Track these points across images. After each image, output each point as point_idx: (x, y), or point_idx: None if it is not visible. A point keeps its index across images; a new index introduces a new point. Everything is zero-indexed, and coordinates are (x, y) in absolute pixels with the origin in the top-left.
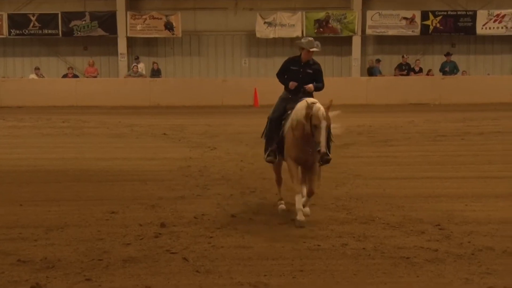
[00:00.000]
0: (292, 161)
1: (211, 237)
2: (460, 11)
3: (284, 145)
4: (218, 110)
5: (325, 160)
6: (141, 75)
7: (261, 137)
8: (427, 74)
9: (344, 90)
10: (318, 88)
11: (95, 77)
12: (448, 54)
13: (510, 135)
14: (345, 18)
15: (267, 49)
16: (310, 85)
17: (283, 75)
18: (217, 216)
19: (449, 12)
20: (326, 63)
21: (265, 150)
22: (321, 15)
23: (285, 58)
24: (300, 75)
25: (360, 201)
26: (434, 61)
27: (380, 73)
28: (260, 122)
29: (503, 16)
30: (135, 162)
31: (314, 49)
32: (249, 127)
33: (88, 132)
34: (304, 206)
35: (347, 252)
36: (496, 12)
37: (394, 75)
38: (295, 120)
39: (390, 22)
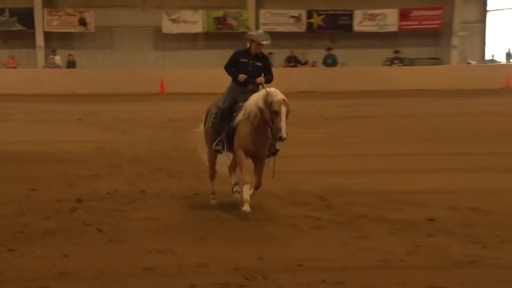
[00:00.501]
0: (243, 152)
1: (123, 210)
2: (339, 11)
3: (235, 137)
4: (129, 98)
5: (274, 151)
6: (58, 66)
7: (204, 127)
8: (312, 66)
9: None
10: (269, 80)
11: (15, 67)
12: (329, 49)
13: (384, 118)
14: (241, 16)
15: (172, 43)
16: (261, 78)
17: (232, 67)
18: (128, 192)
19: (330, 12)
20: (225, 56)
21: (214, 140)
22: (220, 13)
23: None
24: (250, 67)
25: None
26: (317, 54)
27: (272, 65)
28: (166, 108)
29: (376, 16)
30: (53, 145)
31: (265, 42)
32: (157, 113)
33: (10, 118)
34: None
35: (243, 222)
36: (370, 11)
37: (284, 67)
38: (252, 110)
39: (279, 20)
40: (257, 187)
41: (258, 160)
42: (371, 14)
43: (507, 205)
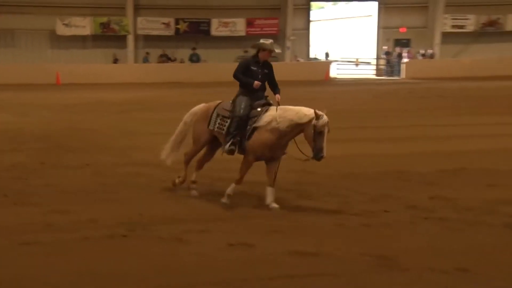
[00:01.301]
0: (254, 159)
1: (26, 179)
2: (200, 19)
3: (251, 142)
4: (30, 88)
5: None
6: None
7: (208, 127)
8: (180, 62)
9: (121, 73)
10: (278, 91)
11: None
12: (194, 49)
13: None
14: (122, 22)
15: (65, 43)
16: (278, 95)
17: (243, 74)
18: (30, 163)
19: (193, 20)
20: (108, 54)
21: (227, 141)
22: (104, 19)
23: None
24: (260, 75)
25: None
26: (184, 53)
27: (148, 61)
28: (62, 96)
29: (228, 23)
30: None
31: (278, 51)
32: (54, 100)
33: None
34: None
35: (128, 187)
36: (224, 20)
37: (158, 63)
38: (286, 123)
39: (153, 25)
40: (272, 184)
41: (272, 163)
42: (225, 22)
43: (329, 167)
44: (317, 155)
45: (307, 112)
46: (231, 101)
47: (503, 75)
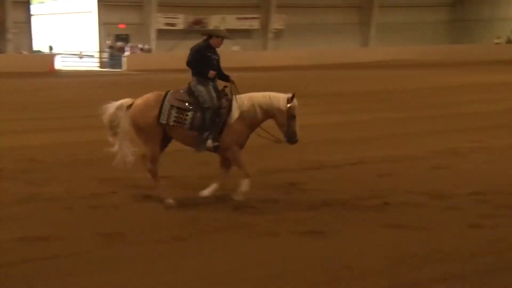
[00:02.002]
0: (238, 148)
1: None
2: None
3: (229, 133)
4: None
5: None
6: None
7: (159, 120)
8: None
9: None
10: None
11: None
12: None
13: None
14: None
15: None
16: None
17: (198, 62)
18: None
19: None
20: None
21: (205, 138)
22: None
23: None
24: (214, 61)
25: None
26: None
27: None
28: None
29: None
30: None
31: (230, 39)
32: None
33: None
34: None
35: None
36: None
37: None
38: (254, 109)
39: None
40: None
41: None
42: None
43: (56, 155)
44: (292, 139)
45: (278, 96)
46: (183, 91)
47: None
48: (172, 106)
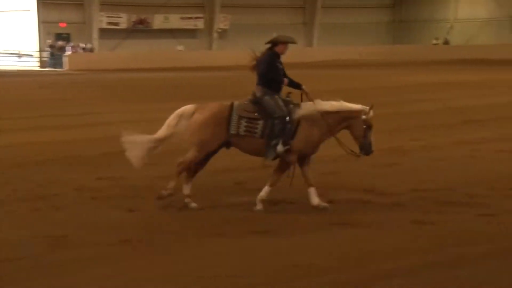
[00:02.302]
0: (296, 158)
1: None
2: None
3: (298, 139)
4: None
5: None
6: None
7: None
8: None
9: None
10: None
11: None
12: None
13: None
14: None
15: None
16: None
17: (272, 72)
18: None
19: None
20: None
21: (274, 144)
22: None
23: None
24: (282, 70)
25: None
26: None
27: None
28: None
29: None
30: None
31: (296, 43)
32: None
33: None
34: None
35: None
36: None
37: None
38: (336, 115)
39: None
40: (313, 184)
41: (306, 162)
42: None
43: None
44: (369, 150)
45: (352, 105)
46: (247, 102)
47: (152, 67)
48: (240, 117)
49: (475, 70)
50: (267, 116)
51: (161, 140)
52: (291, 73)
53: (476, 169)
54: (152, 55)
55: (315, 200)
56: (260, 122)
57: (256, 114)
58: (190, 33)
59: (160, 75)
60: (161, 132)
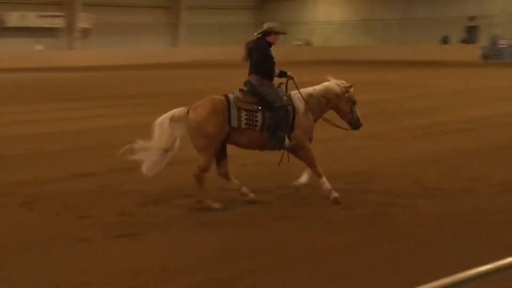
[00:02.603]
0: (308, 143)
1: None
2: None
3: (300, 129)
4: None
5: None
6: None
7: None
8: None
9: None
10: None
11: None
12: None
13: None
14: None
15: None
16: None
17: (267, 61)
18: None
19: None
20: None
21: (280, 136)
22: None
23: None
24: (274, 59)
25: None
26: None
27: None
28: None
29: None
30: None
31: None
32: None
33: None
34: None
35: None
36: None
37: None
38: (325, 98)
39: None
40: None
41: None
42: None
43: None
44: (358, 124)
45: (336, 84)
46: (244, 92)
47: (8, 67)
48: (240, 109)
49: (335, 70)
50: (267, 106)
51: (166, 150)
52: (156, 74)
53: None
54: (6, 55)
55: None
56: (260, 114)
57: (255, 105)
58: (49, 31)
59: (19, 75)
60: (160, 141)
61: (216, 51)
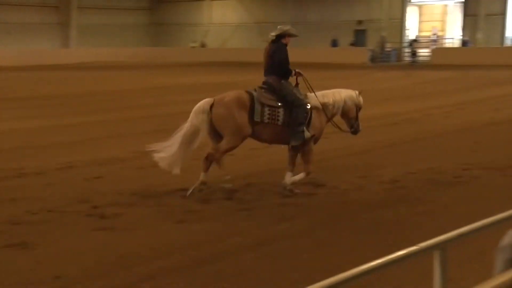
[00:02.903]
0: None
1: None
2: None
3: (314, 126)
4: None
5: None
6: None
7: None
8: None
9: None
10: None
11: None
12: None
13: None
14: None
15: None
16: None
17: (288, 62)
18: None
19: None
20: None
21: (300, 131)
22: None
23: None
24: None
25: None
26: None
27: None
28: None
29: None
30: None
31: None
32: None
33: None
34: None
35: None
36: None
37: None
38: (339, 105)
39: None
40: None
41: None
42: None
43: None
44: (358, 128)
45: (350, 92)
46: (263, 91)
47: None
48: (263, 104)
49: (231, 72)
50: (288, 104)
51: (185, 138)
52: (46, 76)
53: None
54: None
55: (289, 180)
56: (281, 110)
57: (277, 102)
58: None
59: None
60: (184, 130)
61: (108, 52)
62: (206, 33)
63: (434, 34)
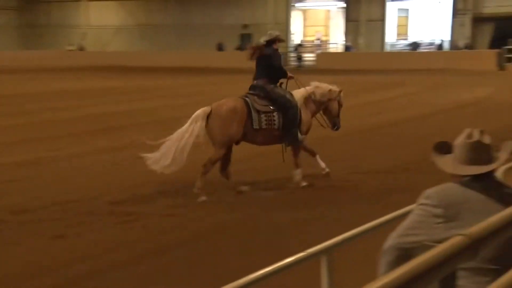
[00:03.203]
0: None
1: None
2: None
3: (304, 125)
4: None
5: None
6: None
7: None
8: None
9: None
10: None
11: None
12: None
13: None
14: None
15: None
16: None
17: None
18: None
19: None
20: None
21: (295, 133)
22: None
23: None
24: None
25: None
26: None
27: None
28: None
29: None
30: None
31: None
32: None
33: None
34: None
35: None
36: None
37: None
38: (323, 98)
39: None
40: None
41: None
42: None
43: None
44: (339, 125)
45: (329, 87)
46: (255, 96)
47: None
48: (259, 112)
49: (111, 76)
50: (280, 107)
51: (185, 143)
52: None
53: (119, 176)
54: None
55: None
56: (276, 114)
57: (271, 107)
58: None
59: None
60: (181, 135)
61: None
62: (84, 36)
63: (318, 39)
